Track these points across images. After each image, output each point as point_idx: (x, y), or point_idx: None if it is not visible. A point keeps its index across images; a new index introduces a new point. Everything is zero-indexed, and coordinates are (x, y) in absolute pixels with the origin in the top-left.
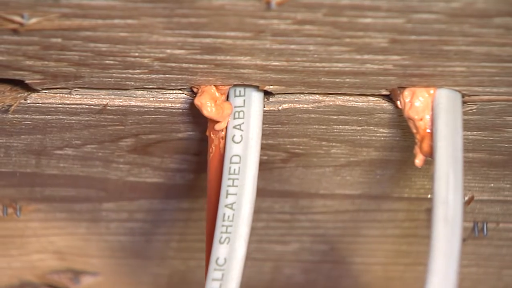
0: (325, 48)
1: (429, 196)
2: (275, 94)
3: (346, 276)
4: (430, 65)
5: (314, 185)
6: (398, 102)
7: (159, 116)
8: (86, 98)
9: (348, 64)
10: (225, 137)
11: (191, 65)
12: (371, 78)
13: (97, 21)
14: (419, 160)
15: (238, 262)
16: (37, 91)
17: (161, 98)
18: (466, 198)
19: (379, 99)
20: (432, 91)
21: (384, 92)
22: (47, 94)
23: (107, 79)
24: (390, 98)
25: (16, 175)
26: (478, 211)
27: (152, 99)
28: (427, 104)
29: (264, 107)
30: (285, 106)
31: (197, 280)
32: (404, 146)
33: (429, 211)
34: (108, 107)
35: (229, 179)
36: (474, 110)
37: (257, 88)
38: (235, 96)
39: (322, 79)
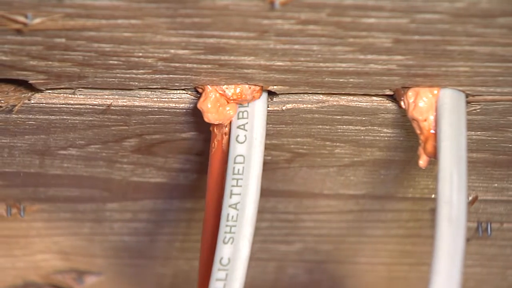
0: (329, 48)
1: (433, 196)
2: (279, 94)
3: (350, 276)
4: (434, 65)
5: (318, 185)
6: (402, 103)
7: (163, 116)
8: (90, 98)
9: (351, 64)
10: (228, 133)
11: (195, 65)
12: (375, 78)
13: (100, 21)
14: (423, 161)
15: (242, 262)
16: (41, 91)
17: (165, 98)
18: (470, 198)
19: (383, 99)
20: (436, 91)
21: (388, 92)
22: (51, 94)
23: (111, 79)
24: (394, 98)
25: (20, 175)
26: (482, 211)
27: (156, 99)
28: (431, 105)
29: (268, 107)
30: (289, 106)
31: None
32: (408, 146)
33: (433, 211)
34: (112, 107)
35: (233, 179)
36: (478, 110)
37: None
38: None
39: (326, 79)
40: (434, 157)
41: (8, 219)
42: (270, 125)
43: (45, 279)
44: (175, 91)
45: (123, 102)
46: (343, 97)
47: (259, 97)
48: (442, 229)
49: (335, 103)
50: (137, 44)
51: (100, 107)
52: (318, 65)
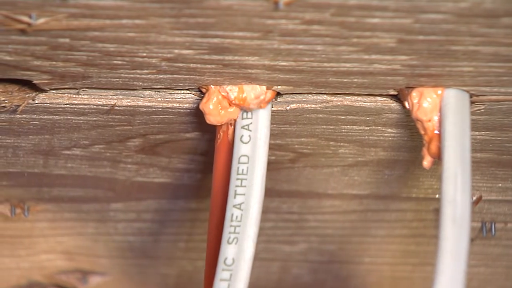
0: (333, 48)
1: (437, 196)
2: (283, 94)
3: (354, 276)
4: (438, 65)
5: (322, 185)
6: (406, 103)
7: (167, 116)
8: (94, 98)
9: (356, 64)
10: (234, 124)
11: (199, 65)
12: (379, 78)
13: (105, 21)
14: (427, 162)
15: (246, 262)
16: (45, 91)
17: (169, 98)
18: (474, 198)
19: (387, 99)
20: (440, 92)
21: (392, 92)
22: (55, 94)
23: (115, 79)
24: (398, 98)
25: (24, 175)
26: (486, 211)
27: (160, 99)
28: (435, 105)
29: (272, 107)
30: (293, 106)
31: None
32: (412, 146)
33: (437, 211)
34: (116, 107)
35: (237, 179)
36: (482, 110)
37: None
38: None
39: (330, 79)
40: (438, 158)
41: (12, 219)
42: (274, 125)
43: (49, 279)
44: (179, 91)
45: (127, 102)
46: (347, 97)
47: (265, 106)
48: (446, 229)
49: (339, 103)
50: (141, 44)
51: (104, 107)
52: (322, 65)
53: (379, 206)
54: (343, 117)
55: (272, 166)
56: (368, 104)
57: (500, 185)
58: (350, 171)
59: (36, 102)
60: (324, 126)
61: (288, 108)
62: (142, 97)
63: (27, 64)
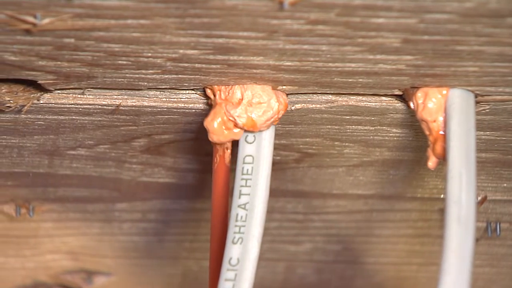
0: (338, 48)
1: (442, 196)
2: (288, 94)
3: (359, 276)
4: (443, 65)
5: (327, 185)
6: (411, 104)
7: (172, 117)
8: (99, 98)
9: (361, 64)
10: (230, 148)
11: (204, 65)
12: (384, 78)
13: (110, 21)
14: (432, 163)
15: (251, 263)
16: (50, 91)
17: (174, 98)
18: (479, 198)
19: (392, 99)
20: (444, 92)
21: (397, 92)
22: (60, 94)
23: (120, 80)
24: (403, 98)
25: (29, 175)
26: (491, 211)
27: (165, 99)
28: (440, 106)
29: None
30: (298, 106)
31: None
32: (417, 146)
33: (442, 211)
34: (121, 108)
35: (242, 179)
36: (487, 110)
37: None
38: None
39: (335, 79)
40: (443, 159)
41: (17, 219)
42: (279, 125)
43: (55, 279)
44: (184, 91)
45: (132, 102)
46: (352, 97)
47: (275, 123)
48: (451, 229)
49: (344, 103)
50: (146, 44)
51: (109, 107)
52: (327, 65)
53: (384, 206)
54: (348, 117)
55: (277, 166)
56: (373, 104)
57: (505, 185)
58: (355, 171)
59: (41, 102)
60: (329, 126)
61: (293, 108)
62: (147, 97)
63: (32, 64)
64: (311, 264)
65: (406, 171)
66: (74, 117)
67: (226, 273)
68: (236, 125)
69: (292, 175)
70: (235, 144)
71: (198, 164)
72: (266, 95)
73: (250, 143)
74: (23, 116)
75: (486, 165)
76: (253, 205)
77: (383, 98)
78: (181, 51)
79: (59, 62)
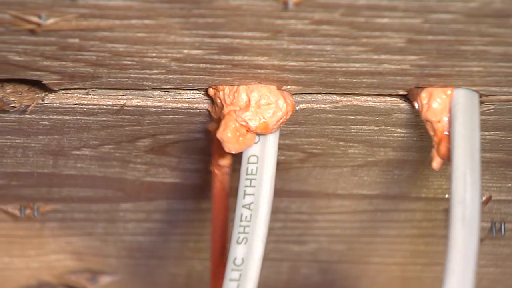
0: (343, 48)
1: (446, 196)
2: (293, 94)
3: (363, 276)
4: (447, 65)
5: (332, 185)
6: (416, 104)
7: (176, 117)
8: (103, 98)
9: (365, 64)
10: (229, 173)
11: (208, 66)
12: (389, 78)
13: (114, 21)
14: (436, 163)
15: (256, 262)
16: (55, 91)
17: (178, 98)
18: (484, 198)
19: (397, 99)
20: (449, 92)
21: (402, 92)
22: (65, 94)
23: (124, 80)
24: (408, 98)
25: (34, 175)
26: (495, 211)
27: (169, 99)
28: (445, 106)
29: None
30: (303, 106)
31: None
32: (422, 146)
33: (446, 211)
34: (126, 108)
35: (247, 179)
36: (492, 110)
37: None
38: None
39: (340, 79)
40: (447, 160)
41: (22, 219)
42: (284, 125)
43: (59, 279)
44: (189, 91)
45: (136, 102)
46: (356, 97)
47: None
48: (455, 229)
49: (348, 103)
50: (151, 44)
51: (114, 107)
52: (331, 65)
53: (388, 206)
54: (352, 117)
55: (281, 166)
56: (378, 104)
57: (509, 185)
58: (359, 171)
59: (46, 102)
60: (334, 126)
61: (297, 108)
62: (151, 97)
63: (37, 64)
64: (315, 264)
65: (411, 171)
66: (78, 117)
67: (231, 273)
68: (248, 130)
69: (297, 175)
70: (236, 163)
71: (202, 164)
72: (273, 96)
73: (255, 143)
74: (27, 116)
75: (490, 165)
76: (257, 205)
77: (388, 98)
78: (185, 51)
79: (63, 62)
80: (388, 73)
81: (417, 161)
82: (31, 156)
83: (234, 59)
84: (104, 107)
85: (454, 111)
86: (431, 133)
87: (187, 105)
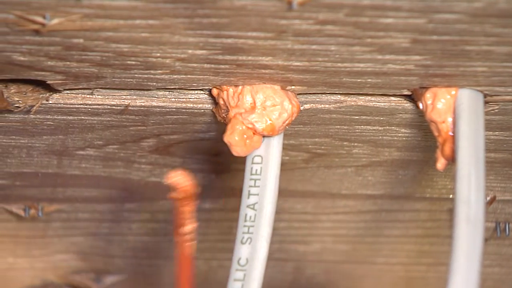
0: (347, 48)
1: (451, 196)
2: (297, 94)
3: (368, 276)
4: (452, 65)
5: (336, 185)
6: (420, 104)
7: (180, 117)
8: (108, 98)
9: (369, 64)
10: (192, 238)
11: (212, 66)
12: (393, 78)
13: (118, 21)
14: (440, 164)
15: (260, 263)
16: (59, 91)
17: (182, 98)
18: (488, 198)
19: (401, 99)
20: (453, 92)
21: (406, 92)
22: (69, 94)
23: (129, 80)
24: (412, 98)
25: (38, 175)
26: (500, 211)
27: (173, 99)
28: (449, 106)
29: None
30: (307, 106)
31: (219, 280)
32: (426, 146)
33: (451, 211)
34: (130, 108)
35: (251, 179)
36: (496, 110)
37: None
38: None
39: (344, 79)
40: (452, 161)
41: (26, 220)
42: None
43: (64, 279)
44: (193, 92)
45: (141, 102)
46: (361, 97)
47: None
48: (460, 229)
49: (353, 103)
50: (155, 44)
51: (118, 108)
52: (336, 65)
53: (393, 206)
54: (357, 117)
55: (285, 166)
56: (382, 104)
57: None
58: (364, 171)
59: (50, 102)
60: (338, 126)
61: (302, 108)
62: (156, 97)
63: (41, 65)
64: (320, 265)
65: (415, 171)
66: (83, 117)
67: (235, 273)
68: (255, 132)
69: (301, 175)
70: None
71: (207, 164)
72: (279, 97)
73: None
74: (32, 116)
75: (495, 165)
76: (262, 205)
77: (392, 98)
78: (190, 51)
79: (68, 62)
80: (393, 73)
81: (421, 161)
82: (36, 156)
83: (239, 59)
84: (109, 107)
85: (459, 111)
86: (436, 133)
87: (191, 105)
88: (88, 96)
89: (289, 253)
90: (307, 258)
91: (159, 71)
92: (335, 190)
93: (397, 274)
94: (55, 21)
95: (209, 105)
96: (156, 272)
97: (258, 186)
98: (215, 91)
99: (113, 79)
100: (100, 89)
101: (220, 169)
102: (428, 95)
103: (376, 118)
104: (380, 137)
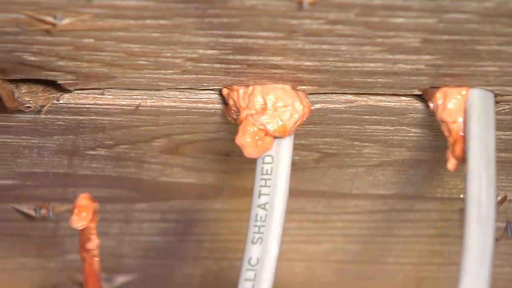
0: (357, 48)
1: (461, 196)
2: (308, 94)
3: (378, 276)
4: (462, 64)
5: (347, 185)
6: (431, 104)
7: (191, 117)
8: (118, 98)
9: (380, 64)
10: (96, 255)
11: (223, 66)
12: (404, 78)
13: (129, 21)
14: (451, 165)
15: (271, 262)
16: (70, 91)
17: (193, 98)
18: (499, 198)
19: (412, 99)
20: (464, 92)
21: (417, 92)
22: (80, 94)
23: (139, 80)
24: (423, 98)
25: (49, 175)
26: (511, 211)
27: (184, 99)
28: (460, 106)
29: None
30: (318, 106)
31: (229, 280)
32: (437, 146)
33: (462, 211)
34: (141, 108)
35: (262, 179)
36: (507, 110)
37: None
38: None
39: (355, 79)
40: (462, 161)
41: (37, 219)
42: None
43: (74, 280)
44: (204, 91)
45: (151, 102)
46: (371, 97)
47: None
48: (471, 229)
49: (363, 103)
50: (166, 44)
51: (129, 108)
52: (346, 65)
53: (403, 206)
54: (367, 117)
55: (296, 166)
56: (393, 104)
57: None
58: (374, 171)
59: (61, 102)
60: (349, 126)
61: (312, 108)
62: (166, 97)
63: (52, 65)
64: (330, 264)
65: (426, 171)
66: (93, 117)
67: (246, 273)
68: (267, 133)
69: (312, 175)
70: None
71: (217, 164)
72: (289, 97)
73: None
74: (42, 116)
75: (506, 165)
76: (272, 205)
77: (403, 98)
78: (200, 51)
79: (78, 62)
80: (403, 73)
81: (432, 161)
82: (46, 156)
83: (249, 59)
84: (119, 107)
85: (469, 111)
86: (446, 133)
87: (202, 105)
88: (98, 96)
89: (299, 253)
90: (317, 258)
91: (170, 71)
92: (345, 190)
93: (408, 274)
94: (66, 21)
95: (220, 105)
96: (167, 272)
97: (269, 186)
98: (225, 91)
99: (124, 79)
100: (111, 89)
101: (231, 169)
102: (439, 95)
103: (387, 118)
104: (391, 137)
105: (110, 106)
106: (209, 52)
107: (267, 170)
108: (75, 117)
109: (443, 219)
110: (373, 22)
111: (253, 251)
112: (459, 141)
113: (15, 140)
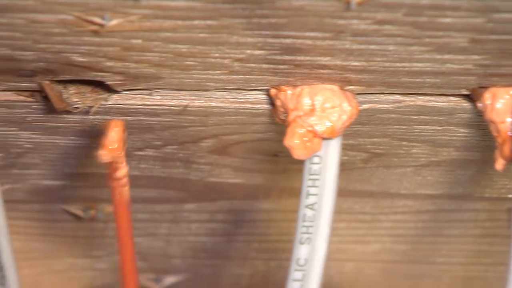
0: (405, 48)
1: (510, 195)
2: (355, 94)
3: (427, 276)
4: (510, 64)
5: (395, 185)
6: (480, 104)
7: (239, 117)
8: (166, 99)
9: (428, 64)
10: (126, 183)
11: (271, 66)
12: (452, 78)
13: (177, 22)
14: (499, 165)
15: (319, 263)
16: (118, 92)
17: (241, 99)
18: None
19: (460, 99)
20: None
21: (465, 92)
22: (128, 95)
23: (187, 80)
24: (471, 98)
25: (98, 176)
26: None
27: (232, 100)
28: (509, 106)
29: None
30: (365, 106)
31: (278, 280)
32: (485, 146)
33: (510, 211)
34: (189, 108)
35: (310, 179)
36: None
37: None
38: None
39: (402, 79)
40: (511, 161)
41: (86, 220)
42: None
43: None
44: (252, 92)
45: (199, 103)
46: (419, 97)
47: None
48: None
49: (411, 103)
50: (213, 44)
51: (177, 108)
52: (394, 65)
53: (452, 206)
54: (415, 117)
55: (344, 166)
56: (441, 104)
57: None
58: (423, 171)
59: (109, 103)
60: (397, 126)
61: (360, 108)
62: (214, 97)
63: (100, 65)
64: (378, 264)
65: (474, 171)
66: (141, 117)
67: (294, 273)
68: (315, 134)
69: (360, 175)
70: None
71: (265, 164)
72: (337, 98)
73: None
74: (91, 117)
75: None
76: (320, 205)
77: (451, 98)
78: (248, 51)
79: (126, 63)
80: (451, 73)
81: (480, 161)
82: (94, 157)
83: (297, 59)
84: (167, 107)
85: None
86: (495, 134)
87: (250, 106)
88: (146, 96)
89: (348, 253)
90: (366, 258)
91: (218, 72)
92: (394, 190)
93: (456, 274)
94: (114, 22)
95: (268, 106)
96: (216, 272)
97: (317, 186)
98: (273, 92)
99: (172, 80)
100: (159, 90)
101: (279, 169)
102: (487, 95)
103: (435, 118)
104: (439, 137)
105: (158, 107)
106: (257, 52)
107: (315, 170)
108: (123, 117)
109: (491, 219)
110: (421, 22)
111: (301, 252)
112: (507, 142)
113: (64, 141)
